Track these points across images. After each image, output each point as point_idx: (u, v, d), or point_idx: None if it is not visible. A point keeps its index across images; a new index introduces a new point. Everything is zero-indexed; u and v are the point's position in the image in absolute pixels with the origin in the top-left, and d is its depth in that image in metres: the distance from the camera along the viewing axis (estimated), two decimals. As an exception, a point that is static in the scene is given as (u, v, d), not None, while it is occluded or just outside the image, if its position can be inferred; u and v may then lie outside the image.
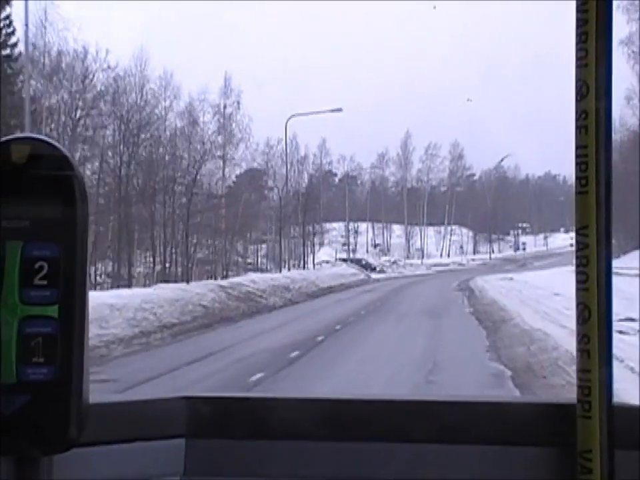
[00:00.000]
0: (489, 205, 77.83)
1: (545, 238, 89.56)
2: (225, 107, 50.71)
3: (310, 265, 62.37)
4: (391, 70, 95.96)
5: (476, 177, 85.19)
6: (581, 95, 1.05)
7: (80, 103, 35.05)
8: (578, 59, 1.05)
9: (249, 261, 57.43)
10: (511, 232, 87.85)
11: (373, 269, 54.47)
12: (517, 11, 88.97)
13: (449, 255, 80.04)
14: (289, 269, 50.17)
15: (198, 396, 1.28)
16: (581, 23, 1.04)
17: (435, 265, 63.28)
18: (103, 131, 36.44)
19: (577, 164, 1.05)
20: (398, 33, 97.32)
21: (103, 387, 8.13)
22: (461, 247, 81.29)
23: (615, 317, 1.07)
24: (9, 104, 25.33)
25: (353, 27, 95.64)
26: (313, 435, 1.21)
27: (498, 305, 19.61)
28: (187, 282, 26.01)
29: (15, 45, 29.78)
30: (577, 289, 1.06)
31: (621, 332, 11.00)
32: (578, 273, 1.06)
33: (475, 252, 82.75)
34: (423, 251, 77.71)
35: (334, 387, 8.66)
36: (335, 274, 36.94)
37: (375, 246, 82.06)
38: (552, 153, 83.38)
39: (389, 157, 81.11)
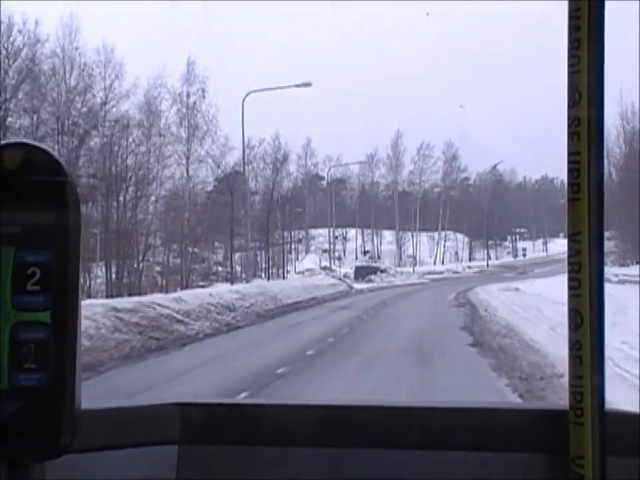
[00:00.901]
0: (484, 209, 74.06)
1: (544, 243, 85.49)
2: (187, 95, 42.84)
3: (291, 274, 57.55)
4: (382, 70, 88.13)
5: (471, 181, 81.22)
6: (573, 102, 1.05)
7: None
8: (570, 65, 1.05)
9: (228, 270, 51.27)
10: (508, 237, 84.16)
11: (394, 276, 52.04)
12: (511, 14, 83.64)
13: (443, 262, 76.07)
14: (268, 279, 45.90)
15: (190, 402, 1.27)
16: (574, 29, 1.04)
17: (428, 273, 58.86)
18: (26, 117, 28.90)
19: (569, 170, 1.05)
20: (390, 38, 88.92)
21: None
22: (456, 254, 74.89)
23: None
24: None
25: (344, 29, 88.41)
26: (305, 441, 1.21)
27: (521, 336, 12.54)
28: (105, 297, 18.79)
29: None
30: (569, 295, 1.06)
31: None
32: (570, 279, 1.05)
33: (470, 259, 78.48)
34: (415, 258, 70.79)
35: None
36: (309, 285, 29.78)
37: (365, 253, 77.72)
38: (548, 157, 77.10)
39: (378, 157, 76.98)
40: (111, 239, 32.10)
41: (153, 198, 40.19)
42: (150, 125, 40.04)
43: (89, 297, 24.31)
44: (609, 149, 50.23)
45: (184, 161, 41.02)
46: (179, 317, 16.15)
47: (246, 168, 71.62)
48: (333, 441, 1.21)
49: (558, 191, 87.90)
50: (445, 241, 77.30)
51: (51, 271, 0.73)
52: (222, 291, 22.48)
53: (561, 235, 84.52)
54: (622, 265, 39.25)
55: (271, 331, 17.37)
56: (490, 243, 76.35)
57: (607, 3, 1.05)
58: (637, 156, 38.26)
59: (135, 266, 37.44)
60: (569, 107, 1.05)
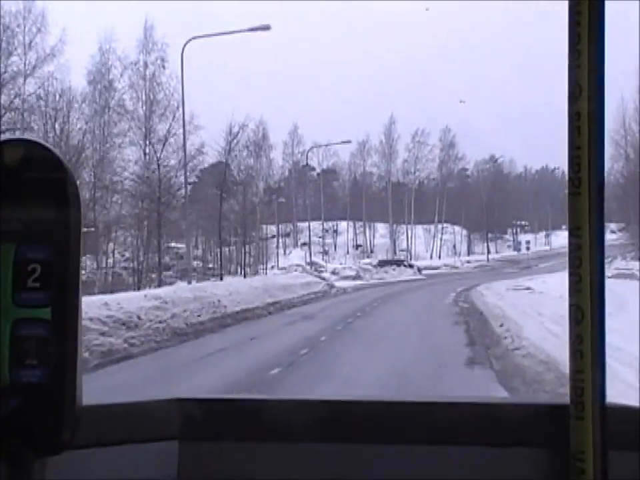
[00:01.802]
0: (483, 201, 69.21)
1: (547, 236, 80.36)
2: (145, 65, 35.76)
3: (275, 270, 53.58)
4: (374, 50, 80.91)
5: (469, 172, 76.30)
6: (574, 96, 1.04)
7: None
8: (571, 60, 1.04)
9: (209, 266, 49.52)
10: (508, 230, 79.52)
11: (419, 271, 48.85)
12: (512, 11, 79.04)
13: (439, 257, 70.29)
14: (244, 276, 41.80)
15: (191, 398, 1.27)
16: (574, 24, 1.03)
17: (424, 268, 53.32)
18: None
19: (569, 165, 1.04)
20: (385, 21, 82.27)
21: None
22: (454, 247, 68.00)
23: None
24: None
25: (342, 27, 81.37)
26: (307, 437, 1.20)
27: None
28: None
29: None
30: (570, 290, 1.05)
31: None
32: (571, 274, 1.05)
33: (469, 252, 73.13)
34: (410, 252, 64.17)
35: None
36: (275, 285, 23.49)
37: (357, 247, 72.66)
38: (549, 146, 70.80)
39: (370, 144, 70.91)
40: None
41: (108, 184, 33.14)
42: (100, 98, 32.91)
43: None
44: (626, 127, 43.86)
45: (142, 142, 33.85)
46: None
47: (229, 157, 65.04)
48: (334, 436, 1.20)
49: (559, 181, 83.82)
50: (442, 234, 72.23)
51: (51, 268, 0.73)
52: (159, 293, 15.91)
53: (564, 227, 78.27)
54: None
55: (173, 363, 11.38)
56: (490, 236, 71.58)
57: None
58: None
59: (101, 263, 30.97)
60: (570, 102, 1.04)
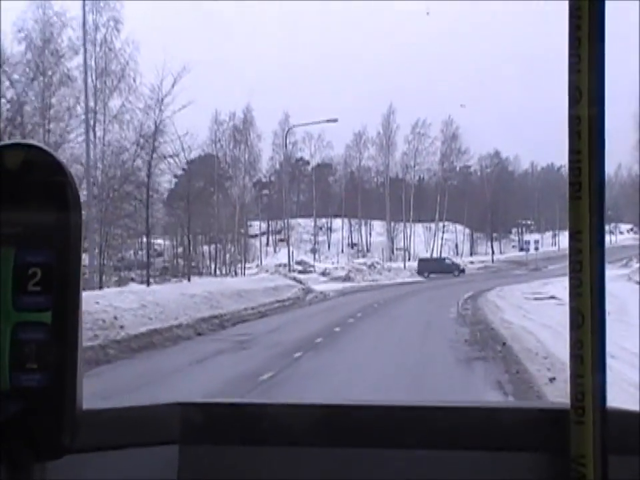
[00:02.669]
0: (487, 198, 65.14)
1: (554, 236, 74.93)
2: (96, 27, 29.61)
3: (257, 270, 46.67)
4: (371, 36, 74.64)
5: (472, 169, 71.81)
6: (574, 101, 1.03)
7: None
8: (571, 64, 1.04)
9: (192, 264, 44.22)
10: (513, 230, 75.01)
11: (462, 271, 46.53)
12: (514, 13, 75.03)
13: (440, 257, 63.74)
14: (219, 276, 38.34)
15: (192, 402, 1.26)
16: (574, 28, 1.03)
17: None
18: None
19: (570, 169, 1.04)
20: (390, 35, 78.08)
21: None
22: (456, 247, 61.95)
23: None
24: None
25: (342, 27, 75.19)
26: (307, 441, 1.19)
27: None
28: None
29: None
30: (571, 295, 1.05)
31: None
32: (571, 278, 1.04)
33: (472, 253, 68.45)
34: (408, 252, 62.30)
35: None
36: (231, 291, 20.39)
37: (352, 245, 67.33)
38: (555, 143, 63.58)
39: (367, 136, 65.41)
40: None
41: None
42: (37, 65, 26.62)
43: None
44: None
45: (91, 119, 27.42)
46: None
47: (214, 147, 59.59)
48: (334, 440, 1.19)
49: (566, 180, 76.28)
50: (443, 232, 67.36)
51: (51, 271, 0.72)
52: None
53: (572, 227, 72.02)
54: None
55: None
56: (494, 235, 68.36)
57: (607, 3, 1.04)
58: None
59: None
60: (570, 106, 1.03)
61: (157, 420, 1.21)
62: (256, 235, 64.42)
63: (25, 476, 0.72)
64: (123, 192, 28.46)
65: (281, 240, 36.00)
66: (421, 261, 50.21)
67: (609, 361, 1.08)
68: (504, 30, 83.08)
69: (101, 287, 20.80)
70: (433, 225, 67.21)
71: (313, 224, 64.71)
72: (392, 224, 64.65)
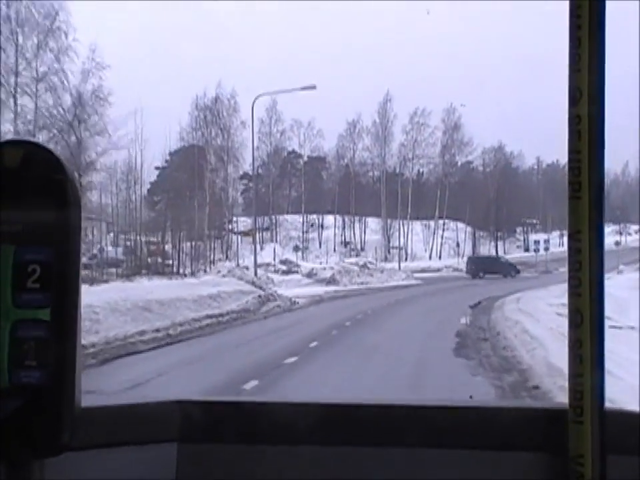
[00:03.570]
0: (491, 195, 61.42)
1: (561, 236, 69.49)
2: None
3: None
4: (371, 25, 68.61)
5: (473, 164, 66.92)
6: (574, 100, 1.05)
7: None
8: (571, 64, 1.05)
9: (167, 263, 41.93)
10: (517, 229, 70.84)
11: (517, 272, 42.87)
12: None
13: (440, 257, 61.05)
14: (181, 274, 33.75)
15: (190, 400, 1.26)
16: (575, 28, 1.05)
17: (421, 271, 45.08)
18: None
19: (570, 169, 1.06)
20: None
21: None
22: (457, 245, 61.19)
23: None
24: None
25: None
26: (305, 440, 1.20)
27: None
28: None
29: None
30: (570, 294, 1.07)
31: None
32: (571, 277, 1.07)
33: (474, 252, 62.73)
34: (405, 251, 58.02)
35: None
36: (150, 302, 15.27)
37: (345, 244, 62.73)
38: (559, 140, 57.34)
39: (362, 126, 60.43)
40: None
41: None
42: None
43: None
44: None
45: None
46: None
47: (198, 134, 54.48)
48: (333, 439, 1.19)
49: None
50: (443, 230, 63.72)
51: (51, 269, 0.72)
52: None
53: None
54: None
55: None
56: (498, 234, 65.00)
57: (607, 3, 1.05)
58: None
59: None
60: (570, 105, 1.05)
61: (155, 418, 1.21)
62: (240, 232, 59.43)
63: (24, 473, 0.72)
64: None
65: (245, 234, 30.24)
66: (472, 259, 45.32)
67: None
68: (506, 26, 78.74)
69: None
70: (432, 223, 63.78)
71: (305, 220, 59.12)
72: (388, 221, 61.16)
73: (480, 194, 62.86)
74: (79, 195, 0.73)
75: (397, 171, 62.72)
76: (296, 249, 47.54)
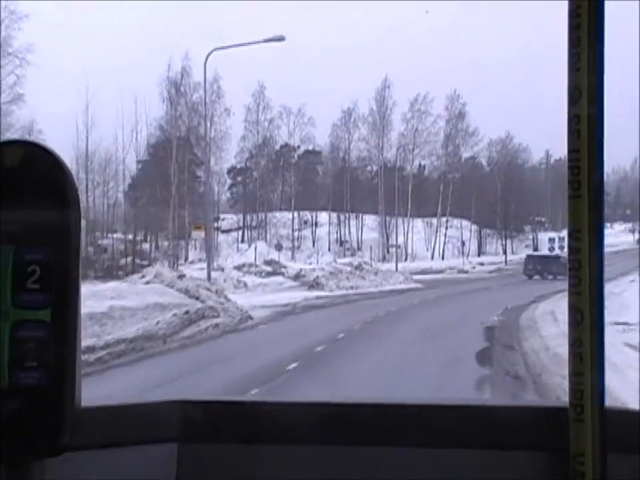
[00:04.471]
0: (498, 190, 57.29)
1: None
2: None
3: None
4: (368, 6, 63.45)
5: (478, 158, 62.59)
6: (573, 100, 1.06)
7: None
8: (570, 63, 1.07)
9: (144, 262, 37.59)
10: (525, 227, 66.50)
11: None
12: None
13: (443, 257, 57.48)
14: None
15: (190, 400, 1.26)
16: (574, 27, 1.06)
17: (421, 272, 41.27)
18: None
19: (569, 168, 1.07)
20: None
21: None
22: (462, 245, 57.67)
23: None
24: None
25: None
26: (306, 439, 1.21)
27: None
28: None
29: None
30: (570, 293, 1.08)
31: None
32: (570, 276, 1.08)
33: (479, 252, 60.70)
34: (405, 250, 53.79)
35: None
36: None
37: (341, 243, 58.99)
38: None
39: (357, 114, 56.10)
40: None
41: None
42: None
43: None
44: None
45: None
46: None
47: (173, 123, 50.52)
48: (333, 438, 1.19)
49: None
50: (447, 228, 59.87)
51: (50, 269, 0.72)
52: None
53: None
54: None
55: None
56: (505, 232, 61.40)
57: (607, 2, 1.06)
58: None
59: None
60: (569, 105, 1.06)
61: (155, 418, 1.21)
62: (228, 230, 54.63)
63: (24, 474, 0.71)
64: None
65: (197, 227, 25.21)
66: (530, 258, 40.19)
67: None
68: (507, 23, 73.77)
69: None
70: (434, 220, 60.82)
71: (297, 218, 54.36)
72: (386, 218, 58.05)
73: (486, 189, 59.96)
74: (78, 194, 0.72)
75: (397, 164, 58.92)
76: (278, 247, 42.14)
